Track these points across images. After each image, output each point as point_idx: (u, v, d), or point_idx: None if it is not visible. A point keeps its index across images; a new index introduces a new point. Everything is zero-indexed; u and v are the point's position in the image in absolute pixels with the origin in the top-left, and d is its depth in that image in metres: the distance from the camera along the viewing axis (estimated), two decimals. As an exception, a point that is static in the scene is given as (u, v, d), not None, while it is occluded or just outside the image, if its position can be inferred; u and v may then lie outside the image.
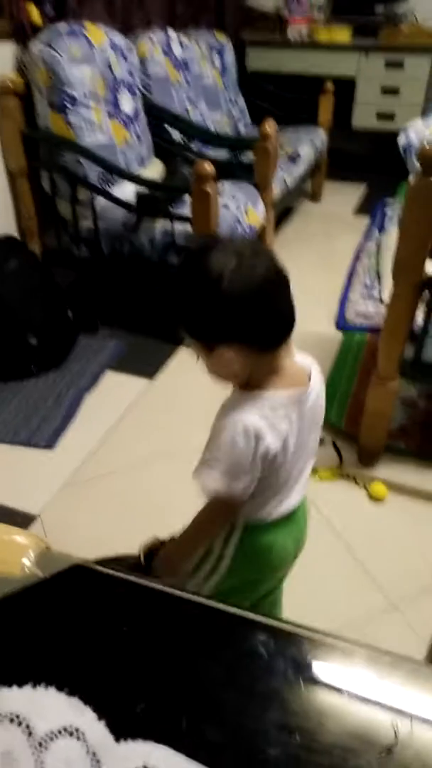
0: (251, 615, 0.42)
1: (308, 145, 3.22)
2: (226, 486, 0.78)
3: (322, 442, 1.81)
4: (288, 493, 0.88)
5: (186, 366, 2.19)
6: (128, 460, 1.77)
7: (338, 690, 0.42)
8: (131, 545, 0.93)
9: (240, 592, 0.96)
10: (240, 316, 0.73)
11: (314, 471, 1.71)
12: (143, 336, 2.34)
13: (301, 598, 1.14)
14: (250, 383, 0.80)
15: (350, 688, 0.42)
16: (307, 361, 0.85)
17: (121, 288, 2.42)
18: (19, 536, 0.48)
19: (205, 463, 0.80)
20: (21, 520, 1.54)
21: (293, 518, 0.92)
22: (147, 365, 2.17)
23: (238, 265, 0.72)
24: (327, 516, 1.57)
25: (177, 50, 2.88)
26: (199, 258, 0.75)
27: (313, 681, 0.42)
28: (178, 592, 0.45)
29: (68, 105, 2.16)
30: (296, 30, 3.68)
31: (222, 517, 0.86)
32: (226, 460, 0.78)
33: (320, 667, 0.43)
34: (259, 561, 0.92)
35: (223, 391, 0.84)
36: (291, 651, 0.43)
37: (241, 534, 0.88)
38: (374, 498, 1.63)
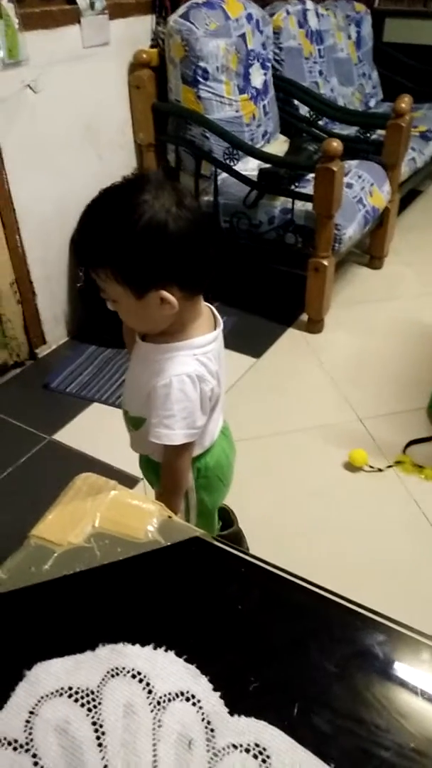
0: (371, 614, 0.41)
1: (444, 122, 3.02)
2: (189, 436, 0.85)
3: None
4: (219, 416, 0.97)
5: (293, 348, 2.16)
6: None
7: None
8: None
9: (208, 516, 1.08)
10: (182, 257, 0.75)
11: (420, 470, 1.65)
12: (254, 314, 2.33)
13: (405, 604, 1.11)
14: (170, 331, 0.82)
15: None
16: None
17: (236, 264, 2.42)
18: (145, 504, 0.50)
19: (160, 425, 0.83)
20: (126, 481, 1.61)
21: (223, 431, 1.02)
22: (255, 344, 2.17)
23: (179, 206, 0.72)
24: None
25: (313, 21, 2.78)
26: (132, 201, 0.72)
27: (427, 689, 0.41)
28: (295, 579, 0.45)
29: (200, 79, 2.17)
30: (443, -3, 3.43)
31: (189, 458, 0.92)
32: (181, 413, 0.82)
33: (435, 678, 0.42)
34: (217, 479, 1.02)
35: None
36: (407, 656, 0.41)
37: (196, 466, 0.97)
38: None
